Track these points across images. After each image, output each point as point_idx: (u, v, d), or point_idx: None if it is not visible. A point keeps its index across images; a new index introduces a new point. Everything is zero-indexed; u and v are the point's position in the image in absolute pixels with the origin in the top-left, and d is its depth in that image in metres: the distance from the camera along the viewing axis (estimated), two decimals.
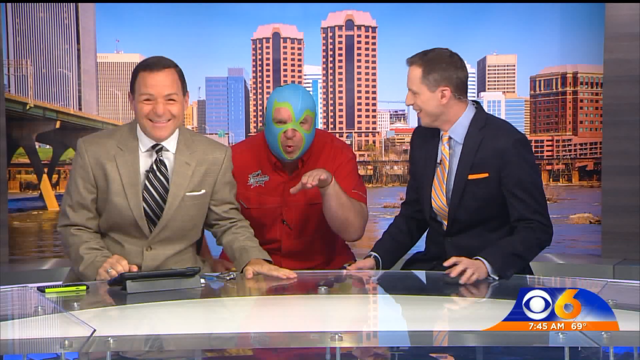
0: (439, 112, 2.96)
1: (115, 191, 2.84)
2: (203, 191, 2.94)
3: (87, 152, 2.87)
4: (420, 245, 3.28)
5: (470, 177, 2.96)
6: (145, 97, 2.80)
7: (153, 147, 2.87)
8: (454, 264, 2.76)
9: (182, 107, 2.85)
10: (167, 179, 2.89)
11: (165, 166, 2.89)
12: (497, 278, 2.78)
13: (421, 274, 3.05)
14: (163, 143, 2.87)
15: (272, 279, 2.83)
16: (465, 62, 3.07)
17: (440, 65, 2.94)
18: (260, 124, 6.51)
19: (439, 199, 3.02)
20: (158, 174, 2.88)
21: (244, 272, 2.86)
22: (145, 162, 2.87)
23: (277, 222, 3.31)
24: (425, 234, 3.24)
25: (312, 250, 3.38)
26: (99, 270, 2.78)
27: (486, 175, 2.95)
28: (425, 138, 3.11)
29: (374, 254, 3.13)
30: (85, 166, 2.87)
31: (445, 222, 3.05)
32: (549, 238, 2.97)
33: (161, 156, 2.88)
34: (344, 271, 3.11)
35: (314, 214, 3.29)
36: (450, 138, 3.01)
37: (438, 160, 3.04)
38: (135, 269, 2.79)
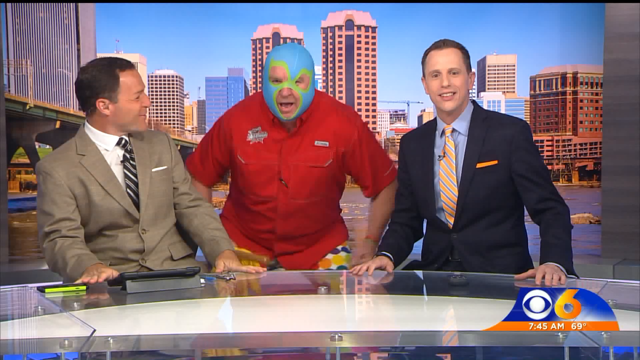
0: (466, 96, 3.06)
1: (95, 192, 2.95)
2: (165, 167, 3.09)
3: (53, 169, 2.94)
4: (416, 252, 3.27)
5: (479, 165, 3.01)
6: (138, 94, 2.99)
7: (118, 142, 3.01)
8: (528, 277, 2.75)
9: None
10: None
11: (133, 153, 3.04)
12: (571, 276, 2.77)
13: (421, 274, 3.05)
14: (124, 136, 3.03)
15: (270, 279, 2.84)
16: None
17: (468, 52, 3.08)
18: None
19: (449, 190, 3.03)
20: (131, 161, 3.03)
21: (216, 266, 2.95)
22: (115, 155, 3.01)
23: (274, 180, 3.29)
24: (422, 239, 3.22)
25: (308, 216, 3.35)
26: (87, 268, 2.75)
27: (495, 162, 3.01)
28: (417, 141, 3.16)
29: (386, 253, 3.05)
30: (58, 183, 2.93)
31: (451, 220, 3.05)
32: (570, 217, 3.03)
33: (130, 145, 3.04)
34: (345, 271, 3.09)
35: (313, 175, 3.29)
36: (453, 130, 3.05)
37: (440, 154, 3.05)
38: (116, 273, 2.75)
